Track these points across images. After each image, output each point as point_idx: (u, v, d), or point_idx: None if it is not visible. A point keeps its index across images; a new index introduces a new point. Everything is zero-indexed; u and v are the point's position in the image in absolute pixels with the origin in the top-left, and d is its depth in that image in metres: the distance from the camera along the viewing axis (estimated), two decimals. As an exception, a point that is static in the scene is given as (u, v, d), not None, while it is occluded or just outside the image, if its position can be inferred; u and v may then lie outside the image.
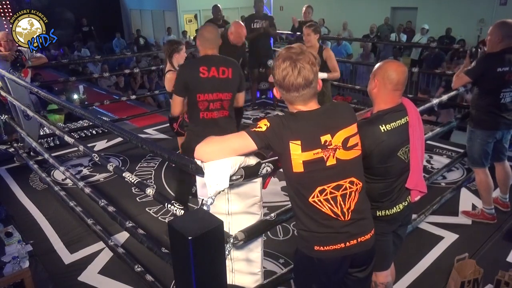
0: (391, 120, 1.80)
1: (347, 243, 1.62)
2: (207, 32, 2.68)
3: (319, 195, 1.55)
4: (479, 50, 3.29)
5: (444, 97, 3.02)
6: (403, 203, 1.93)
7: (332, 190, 1.57)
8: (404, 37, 10.41)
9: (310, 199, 1.56)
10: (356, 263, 1.69)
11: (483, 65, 2.93)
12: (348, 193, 1.59)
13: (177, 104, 2.69)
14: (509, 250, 2.93)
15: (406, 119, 1.85)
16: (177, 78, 2.68)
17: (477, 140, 3.09)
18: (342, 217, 1.59)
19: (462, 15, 10.24)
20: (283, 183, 3.88)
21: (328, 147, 1.53)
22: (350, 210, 1.60)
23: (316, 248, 1.61)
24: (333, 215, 1.58)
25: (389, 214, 1.90)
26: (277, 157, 1.67)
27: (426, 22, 10.26)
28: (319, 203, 1.56)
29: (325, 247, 1.60)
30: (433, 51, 8.50)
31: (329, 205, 1.57)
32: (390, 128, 1.78)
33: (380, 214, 1.89)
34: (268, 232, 3.08)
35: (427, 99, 5.32)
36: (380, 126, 1.77)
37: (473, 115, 3.10)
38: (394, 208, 1.90)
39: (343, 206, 1.59)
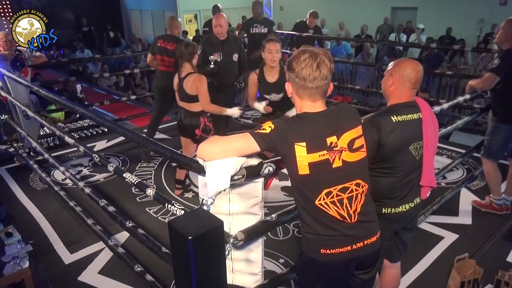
0: (403, 113, 1.82)
1: (354, 245, 1.61)
2: (167, 21, 4.67)
3: (325, 197, 1.55)
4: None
5: (445, 105, 3.02)
6: (410, 204, 1.93)
7: (339, 193, 1.56)
8: (404, 37, 10.41)
9: (317, 202, 1.55)
10: (361, 265, 1.68)
11: (509, 61, 2.95)
12: (354, 195, 1.59)
13: (148, 58, 4.56)
14: (509, 250, 2.94)
15: (419, 115, 1.87)
16: (150, 45, 4.64)
17: (501, 134, 3.13)
18: (348, 219, 1.58)
19: (462, 15, 10.24)
20: (283, 183, 3.88)
21: (334, 148, 1.52)
22: (356, 213, 1.59)
23: (322, 251, 1.60)
24: (339, 217, 1.57)
25: (394, 212, 1.90)
26: (279, 157, 1.66)
27: (426, 22, 10.26)
28: (325, 205, 1.55)
29: (331, 250, 1.60)
30: (433, 51, 8.51)
31: (336, 208, 1.56)
32: (401, 120, 1.80)
33: (386, 212, 1.89)
34: (268, 232, 3.08)
35: (427, 98, 5.34)
36: (392, 117, 1.79)
37: (500, 111, 3.13)
38: (401, 207, 1.90)
39: (349, 208, 1.58)
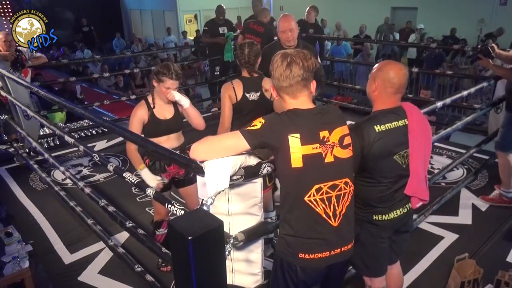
0: (386, 121, 1.77)
1: (332, 251, 1.62)
2: (262, 12, 5.30)
3: (315, 194, 1.55)
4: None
5: (448, 100, 3.02)
6: (401, 210, 1.88)
7: (328, 190, 1.57)
8: (397, 36, 10.46)
9: (306, 198, 1.55)
10: (334, 272, 1.70)
11: None
12: (342, 194, 1.60)
13: (239, 39, 4.93)
14: (509, 250, 2.93)
15: (405, 122, 1.81)
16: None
17: None
18: (333, 219, 1.58)
19: (462, 15, 10.24)
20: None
21: (326, 143, 1.55)
22: (341, 214, 1.60)
23: (300, 255, 1.60)
24: (325, 216, 1.57)
25: (386, 219, 1.87)
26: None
27: (426, 22, 10.27)
28: (314, 202, 1.56)
29: (310, 255, 1.59)
30: (433, 51, 8.52)
31: (324, 206, 1.57)
32: (384, 129, 1.75)
33: (377, 219, 1.86)
34: (268, 232, 3.08)
35: (428, 99, 5.34)
36: (375, 126, 1.75)
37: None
38: (392, 213, 1.87)
39: (336, 208, 1.59)
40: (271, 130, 1.52)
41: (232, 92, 2.69)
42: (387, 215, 1.86)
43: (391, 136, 1.77)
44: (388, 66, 1.82)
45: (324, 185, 1.56)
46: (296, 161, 1.51)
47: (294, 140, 1.50)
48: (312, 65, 1.57)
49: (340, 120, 1.62)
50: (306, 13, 6.13)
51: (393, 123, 1.78)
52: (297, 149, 1.51)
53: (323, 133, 1.54)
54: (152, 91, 2.62)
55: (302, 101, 1.58)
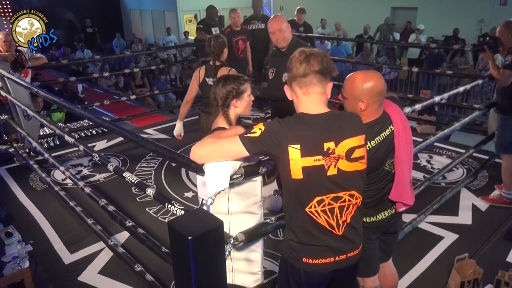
0: (376, 134, 1.75)
1: (337, 257, 1.59)
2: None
3: (316, 205, 1.50)
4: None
5: (445, 95, 3.03)
6: (389, 211, 1.90)
7: (331, 201, 1.52)
8: (397, 36, 10.46)
9: (307, 209, 1.51)
10: (340, 276, 1.68)
11: None
12: (346, 205, 1.55)
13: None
14: (509, 250, 2.93)
15: (391, 129, 1.79)
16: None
17: (510, 127, 3.23)
18: (336, 229, 1.54)
19: (462, 15, 10.25)
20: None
21: (331, 155, 1.48)
22: (345, 223, 1.56)
23: (304, 260, 1.57)
24: (328, 226, 1.53)
25: (374, 220, 1.88)
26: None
27: (426, 22, 10.27)
28: (315, 213, 1.51)
29: (314, 260, 1.57)
30: (433, 51, 8.51)
31: (326, 217, 1.52)
32: (375, 144, 1.73)
33: (365, 221, 1.86)
34: (268, 232, 3.08)
35: (427, 98, 5.34)
36: (367, 144, 1.70)
37: (506, 104, 3.24)
38: (380, 215, 1.88)
39: (339, 218, 1.54)
40: (271, 139, 1.46)
41: (198, 74, 3.28)
42: (374, 217, 1.88)
43: (381, 148, 1.76)
44: (368, 79, 1.72)
45: (327, 197, 1.51)
46: (296, 172, 1.46)
47: (294, 151, 1.44)
48: (331, 67, 1.50)
49: (355, 130, 1.53)
50: (295, 16, 6.18)
51: (381, 135, 1.76)
52: (296, 161, 1.45)
53: (328, 145, 1.47)
54: (227, 113, 2.12)
55: (314, 100, 1.50)
